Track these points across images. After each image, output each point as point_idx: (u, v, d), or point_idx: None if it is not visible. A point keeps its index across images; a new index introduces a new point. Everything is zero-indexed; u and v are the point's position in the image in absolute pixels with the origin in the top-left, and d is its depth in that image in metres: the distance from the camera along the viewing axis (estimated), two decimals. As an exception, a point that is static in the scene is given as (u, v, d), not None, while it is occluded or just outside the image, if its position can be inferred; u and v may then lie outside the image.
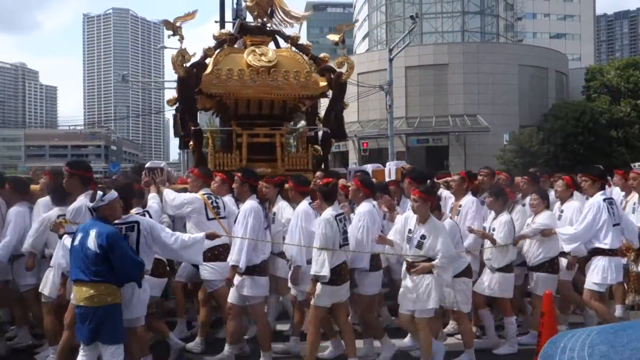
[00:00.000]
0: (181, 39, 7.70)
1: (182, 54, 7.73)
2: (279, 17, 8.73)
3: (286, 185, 6.08)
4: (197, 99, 8.28)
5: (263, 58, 8.04)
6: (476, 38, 44.13)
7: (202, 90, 7.90)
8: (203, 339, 5.84)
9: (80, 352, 4.41)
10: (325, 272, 4.97)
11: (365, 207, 5.56)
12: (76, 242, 4.37)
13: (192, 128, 8.03)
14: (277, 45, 8.74)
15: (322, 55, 8.79)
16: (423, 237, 5.00)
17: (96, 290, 4.26)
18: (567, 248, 5.97)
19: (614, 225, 5.78)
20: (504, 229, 5.72)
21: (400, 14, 44.91)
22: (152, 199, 5.83)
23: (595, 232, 5.81)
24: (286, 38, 8.75)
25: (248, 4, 8.64)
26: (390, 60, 24.46)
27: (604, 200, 5.84)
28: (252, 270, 5.25)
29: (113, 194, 4.50)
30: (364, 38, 55.69)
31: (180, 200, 5.86)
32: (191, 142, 8.34)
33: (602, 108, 33.80)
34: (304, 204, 5.60)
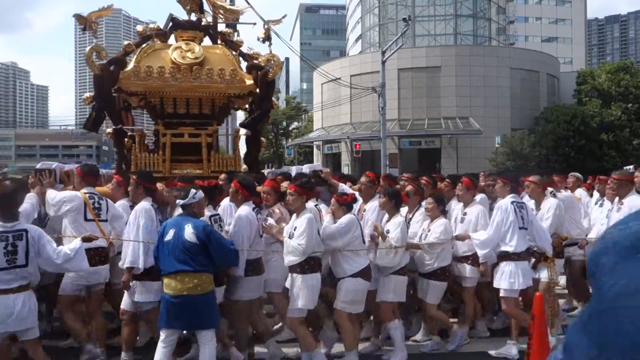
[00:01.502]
0: (95, 34, 7.43)
1: (97, 50, 7.44)
2: (217, 12, 8.43)
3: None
4: (118, 97, 7.99)
5: (189, 55, 7.71)
6: (468, 41, 44.33)
7: (121, 88, 7.57)
8: (103, 350, 5.57)
9: (161, 339, 4.66)
10: None
11: (242, 211, 5.47)
12: (169, 237, 4.62)
13: (113, 127, 7.75)
14: (214, 42, 8.41)
15: (252, 52, 8.41)
16: (295, 228, 5.09)
17: (199, 279, 4.59)
18: (480, 253, 5.89)
19: (520, 228, 5.72)
20: (395, 230, 5.55)
21: (393, 16, 45.06)
22: (28, 200, 5.51)
23: (503, 235, 5.78)
24: (217, 34, 8.40)
25: None
26: (383, 62, 24.51)
27: (512, 202, 5.76)
28: (143, 274, 5.15)
29: (201, 192, 4.91)
30: (356, 40, 55.84)
31: (59, 198, 5.51)
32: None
33: (593, 111, 33.99)
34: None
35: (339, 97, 35.46)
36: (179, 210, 5.68)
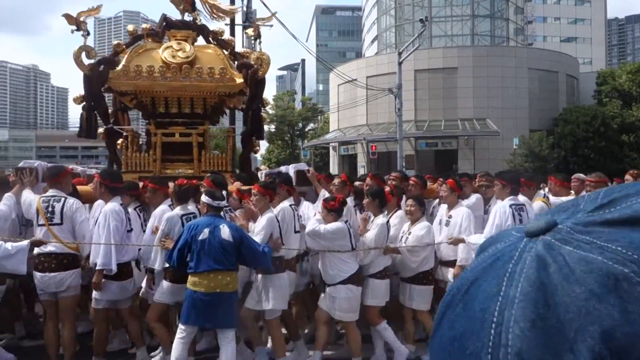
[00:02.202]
0: (85, 34, 7.37)
1: (86, 50, 7.42)
2: (207, 11, 8.36)
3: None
4: (114, 98, 7.94)
5: (179, 54, 7.66)
6: (486, 42, 43.97)
7: (111, 87, 7.56)
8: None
9: (180, 333, 4.75)
10: (159, 266, 5.19)
11: None
12: (203, 236, 4.72)
13: (104, 127, 7.73)
14: (208, 41, 8.37)
15: (242, 50, 8.35)
16: (253, 227, 5.21)
17: (231, 277, 4.81)
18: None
19: None
20: (373, 230, 5.40)
21: (409, 17, 44.87)
22: (5, 201, 5.53)
23: None
24: (208, 33, 8.32)
25: None
26: (400, 63, 24.40)
27: (511, 206, 5.53)
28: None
29: (224, 193, 5.10)
30: (372, 41, 55.71)
31: (27, 203, 5.43)
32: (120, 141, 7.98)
33: (614, 112, 33.54)
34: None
35: (355, 98, 35.39)
36: (163, 207, 5.65)
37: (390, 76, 30.01)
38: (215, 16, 8.47)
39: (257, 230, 5.12)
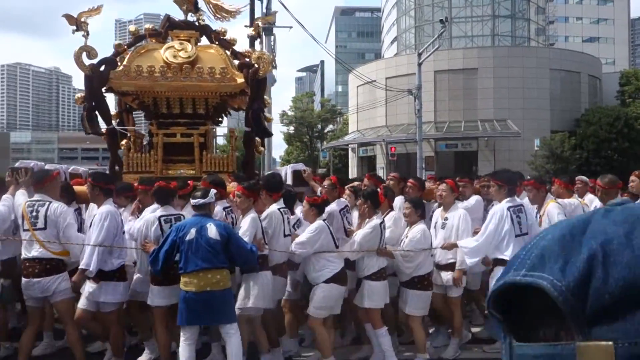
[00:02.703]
0: (86, 35, 7.34)
1: (87, 50, 7.39)
2: (211, 11, 8.31)
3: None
4: (119, 100, 7.96)
5: (181, 54, 7.59)
6: (507, 42, 43.59)
7: (112, 88, 7.54)
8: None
9: (183, 335, 4.79)
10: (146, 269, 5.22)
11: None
12: (190, 236, 4.73)
13: (106, 128, 7.71)
14: (211, 41, 8.27)
15: (244, 50, 8.28)
16: (239, 228, 5.25)
17: (221, 275, 4.77)
18: (469, 262, 5.43)
19: (517, 235, 5.21)
20: (365, 230, 5.26)
21: (429, 18, 44.66)
22: (3, 202, 5.54)
23: (497, 243, 5.31)
24: (211, 33, 8.23)
25: None
26: (419, 64, 24.29)
27: (509, 208, 5.26)
28: (110, 275, 5.16)
29: (213, 192, 5.06)
30: (392, 42, 55.57)
31: (17, 205, 5.41)
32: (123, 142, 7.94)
33: (637, 113, 33.02)
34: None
35: (374, 99, 35.32)
36: (153, 206, 5.57)
37: (410, 77, 29.87)
38: (218, 16, 8.45)
39: (243, 231, 5.12)
